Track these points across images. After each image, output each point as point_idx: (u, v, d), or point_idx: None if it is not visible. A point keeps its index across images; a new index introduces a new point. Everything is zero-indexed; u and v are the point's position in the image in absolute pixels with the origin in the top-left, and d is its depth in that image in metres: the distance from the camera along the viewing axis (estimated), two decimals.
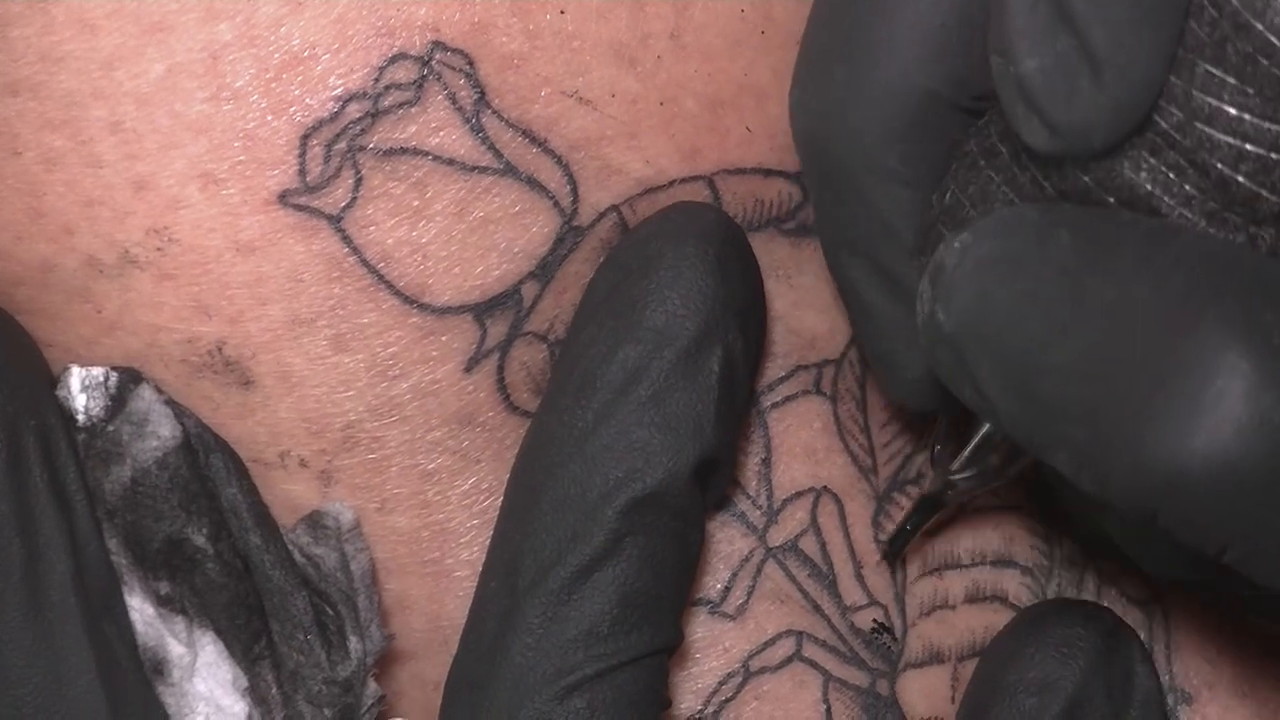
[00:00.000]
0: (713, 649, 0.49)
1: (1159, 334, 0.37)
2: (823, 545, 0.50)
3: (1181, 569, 0.48)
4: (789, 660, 0.49)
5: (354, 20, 0.45)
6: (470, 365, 0.47)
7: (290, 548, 0.46)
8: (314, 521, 0.46)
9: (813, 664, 0.49)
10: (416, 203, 0.46)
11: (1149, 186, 0.39)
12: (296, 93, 0.45)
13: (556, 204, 0.47)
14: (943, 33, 0.43)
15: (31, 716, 0.43)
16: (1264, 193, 0.38)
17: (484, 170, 0.46)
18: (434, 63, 0.45)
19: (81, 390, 0.45)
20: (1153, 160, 0.39)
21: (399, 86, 0.45)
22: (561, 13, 0.46)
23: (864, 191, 0.44)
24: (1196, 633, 0.52)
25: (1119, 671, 0.47)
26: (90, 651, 0.43)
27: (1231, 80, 0.37)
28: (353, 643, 0.46)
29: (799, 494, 0.50)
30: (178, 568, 0.45)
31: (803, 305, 0.49)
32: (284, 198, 0.45)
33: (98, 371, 0.45)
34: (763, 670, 0.49)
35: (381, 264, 0.46)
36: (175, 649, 0.45)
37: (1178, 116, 0.38)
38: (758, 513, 0.49)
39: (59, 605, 0.43)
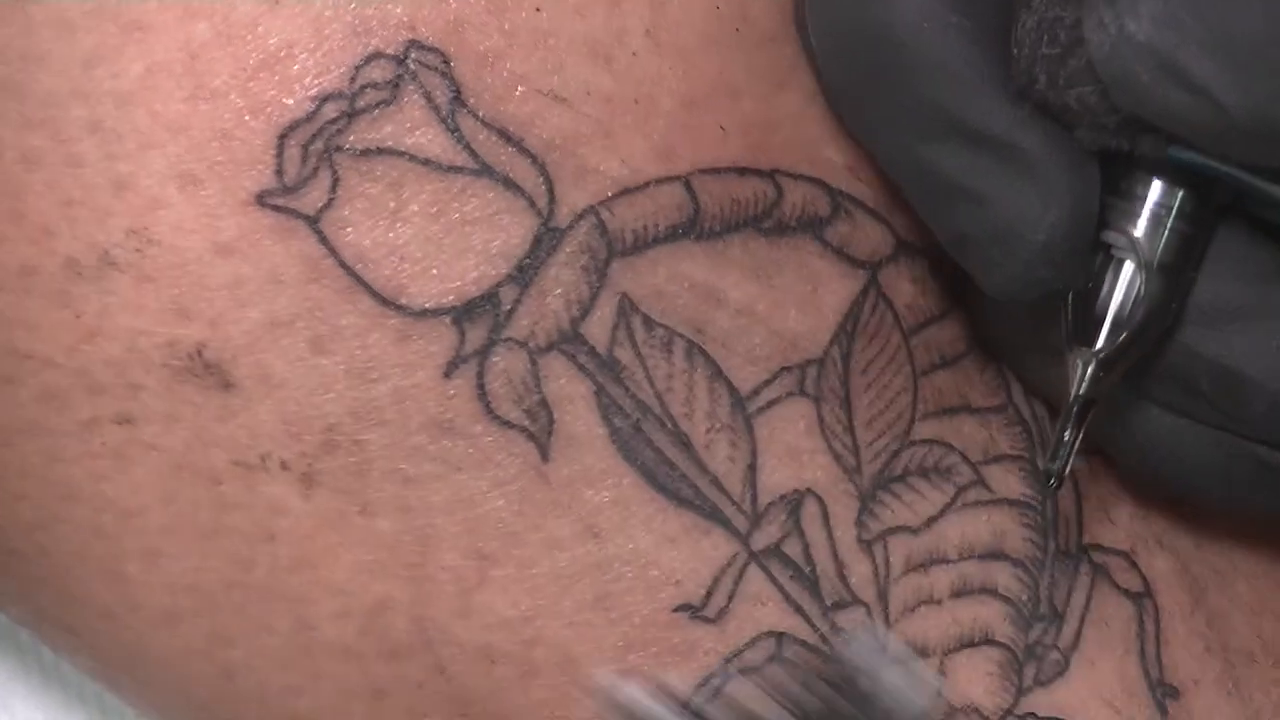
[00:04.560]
0: (692, 652, 0.48)
1: None
2: (805, 547, 0.49)
3: None
4: (769, 662, 0.49)
5: (330, 19, 0.45)
6: (449, 370, 0.47)
7: None
8: None
9: (793, 665, 0.49)
10: (393, 203, 0.46)
11: None
12: (273, 92, 0.45)
13: (533, 204, 0.47)
14: None
15: None
16: None
17: (460, 170, 0.46)
18: (410, 61, 0.46)
19: None
20: None
21: (375, 86, 0.46)
22: (538, 10, 0.46)
23: (934, 59, 0.42)
24: (1186, 628, 0.51)
25: None
26: None
27: None
28: None
29: (783, 497, 0.49)
30: None
31: (784, 305, 0.49)
32: (261, 198, 0.45)
33: None
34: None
35: (359, 265, 0.46)
36: None
37: None
38: (742, 518, 0.49)
39: None
